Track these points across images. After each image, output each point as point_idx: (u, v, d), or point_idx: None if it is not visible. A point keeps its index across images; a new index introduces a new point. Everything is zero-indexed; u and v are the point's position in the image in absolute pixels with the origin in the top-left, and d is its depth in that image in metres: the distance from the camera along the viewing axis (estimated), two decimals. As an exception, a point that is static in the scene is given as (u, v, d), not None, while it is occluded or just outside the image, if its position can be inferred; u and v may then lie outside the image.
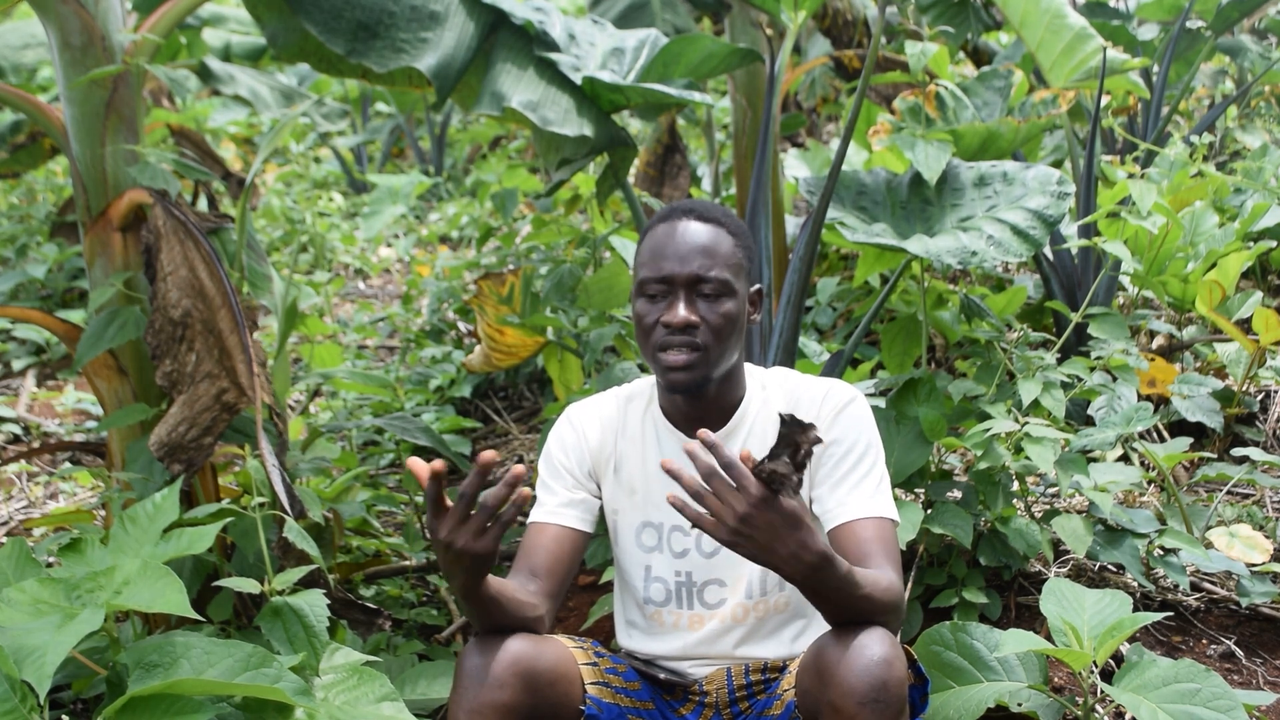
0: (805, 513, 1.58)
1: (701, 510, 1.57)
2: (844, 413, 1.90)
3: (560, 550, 1.93)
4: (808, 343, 3.11)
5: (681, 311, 1.82)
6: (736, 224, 1.91)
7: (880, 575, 1.73)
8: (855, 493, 1.85)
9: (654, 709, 1.97)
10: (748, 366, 2.00)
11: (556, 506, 1.96)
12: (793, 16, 2.87)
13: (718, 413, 1.94)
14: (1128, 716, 2.27)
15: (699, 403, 1.93)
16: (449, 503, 1.61)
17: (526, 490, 1.59)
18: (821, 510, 1.88)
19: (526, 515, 2.00)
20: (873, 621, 1.68)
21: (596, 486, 2.01)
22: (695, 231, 1.86)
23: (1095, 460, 2.79)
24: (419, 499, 3.22)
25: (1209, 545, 2.59)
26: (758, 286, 1.94)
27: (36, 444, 4.22)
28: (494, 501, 1.59)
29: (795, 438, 1.52)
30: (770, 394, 1.97)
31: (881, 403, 2.71)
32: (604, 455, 2.00)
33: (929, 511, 2.53)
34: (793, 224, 4.27)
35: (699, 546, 1.95)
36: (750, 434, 1.94)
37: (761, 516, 1.55)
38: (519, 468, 1.57)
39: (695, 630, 1.96)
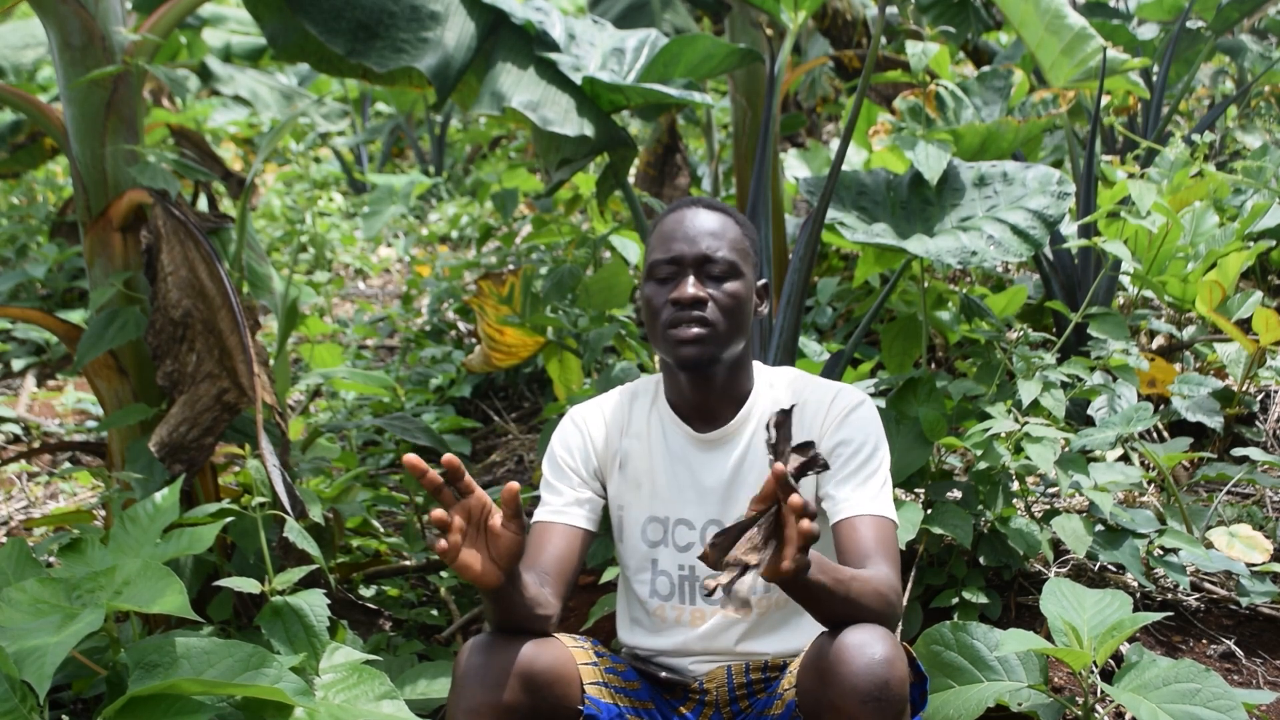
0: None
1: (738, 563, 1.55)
2: (854, 414, 1.92)
3: (567, 549, 1.93)
4: (808, 343, 3.11)
5: (690, 289, 1.87)
6: (743, 218, 1.99)
7: (871, 576, 1.73)
8: (860, 491, 1.86)
9: (653, 708, 1.96)
10: (756, 364, 2.01)
11: (562, 506, 1.97)
12: (793, 16, 2.87)
13: (726, 404, 1.95)
14: (1128, 716, 2.27)
15: (707, 392, 1.93)
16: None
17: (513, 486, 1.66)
18: (827, 506, 1.88)
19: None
20: (870, 620, 1.68)
21: (601, 485, 2.01)
22: (704, 218, 1.93)
23: (1095, 460, 2.78)
24: (419, 499, 3.22)
25: (1209, 545, 2.59)
26: (764, 281, 2.00)
27: (36, 444, 4.22)
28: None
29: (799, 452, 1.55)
30: (778, 392, 1.98)
31: (881, 403, 2.70)
32: (609, 452, 2.00)
33: (929, 511, 2.53)
34: (793, 224, 4.27)
35: (703, 541, 1.96)
36: (758, 428, 1.94)
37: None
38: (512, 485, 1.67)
39: (697, 626, 1.96)
